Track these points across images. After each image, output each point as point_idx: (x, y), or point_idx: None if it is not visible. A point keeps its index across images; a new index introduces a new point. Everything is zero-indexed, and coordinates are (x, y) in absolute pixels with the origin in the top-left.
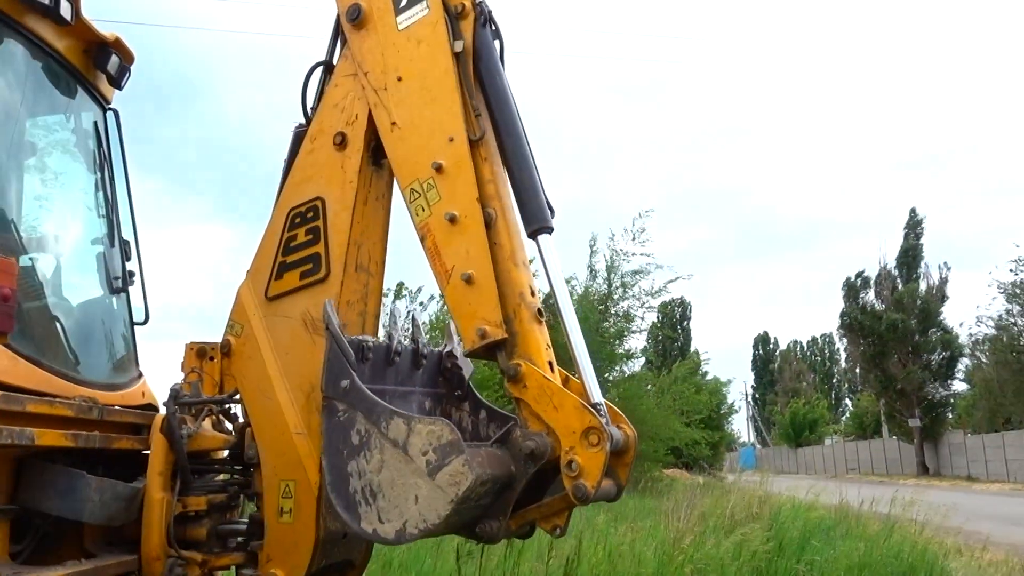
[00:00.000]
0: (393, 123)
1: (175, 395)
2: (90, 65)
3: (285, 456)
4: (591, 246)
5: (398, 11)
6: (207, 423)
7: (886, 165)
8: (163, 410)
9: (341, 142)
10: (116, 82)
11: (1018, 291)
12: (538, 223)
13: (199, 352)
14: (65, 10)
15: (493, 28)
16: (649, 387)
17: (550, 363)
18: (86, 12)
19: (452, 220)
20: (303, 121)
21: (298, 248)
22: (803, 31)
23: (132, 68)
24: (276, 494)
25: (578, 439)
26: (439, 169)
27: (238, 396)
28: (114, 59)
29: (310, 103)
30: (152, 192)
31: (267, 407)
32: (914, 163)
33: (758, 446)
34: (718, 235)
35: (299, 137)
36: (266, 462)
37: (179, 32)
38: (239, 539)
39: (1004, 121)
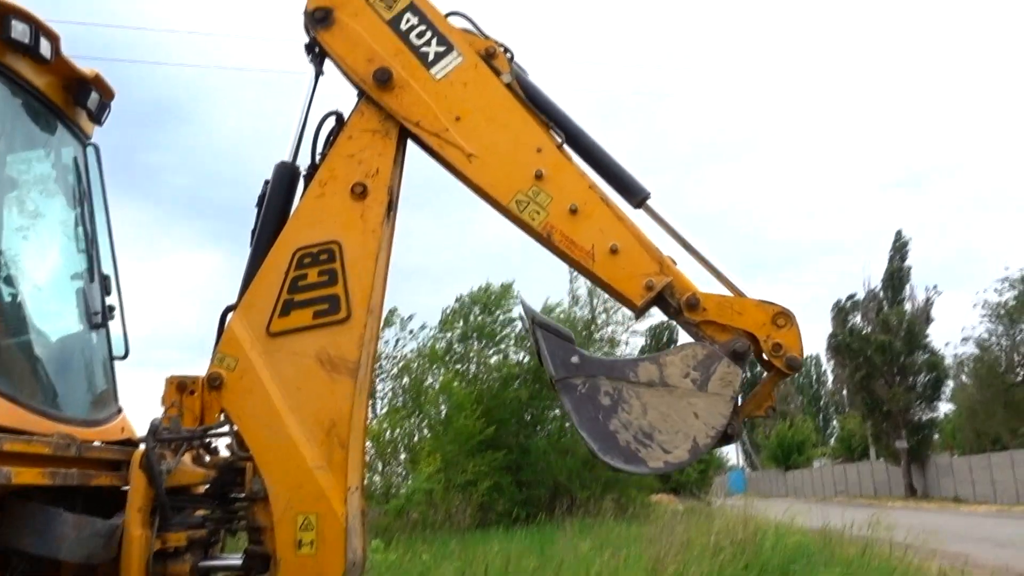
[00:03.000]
0: (470, 155)
1: (154, 431)
2: (70, 101)
3: (303, 490)
4: (572, 272)
5: (429, 65)
6: (187, 458)
7: (872, 185)
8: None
9: (362, 192)
10: (96, 118)
11: (1001, 312)
12: (642, 193)
13: (179, 386)
14: (44, 48)
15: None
16: None
17: None
18: (66, 50)
19: (574, 211)
20: (286, 160)
21: (310, 288)
22: (786, 56)
23: (112, 104)
24: (292, 527)
25: (770, 327)
26: (539, 176)
27: (223, 429)
28: (94, 95)
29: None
30: (139, 220)
31: (276, 442)
32: (900, 182)
33: (748, 469)
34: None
35: (286, 176)
36: (277, 495)
37: (163, 60)
38: (234, 574)
39: (990, 139)
